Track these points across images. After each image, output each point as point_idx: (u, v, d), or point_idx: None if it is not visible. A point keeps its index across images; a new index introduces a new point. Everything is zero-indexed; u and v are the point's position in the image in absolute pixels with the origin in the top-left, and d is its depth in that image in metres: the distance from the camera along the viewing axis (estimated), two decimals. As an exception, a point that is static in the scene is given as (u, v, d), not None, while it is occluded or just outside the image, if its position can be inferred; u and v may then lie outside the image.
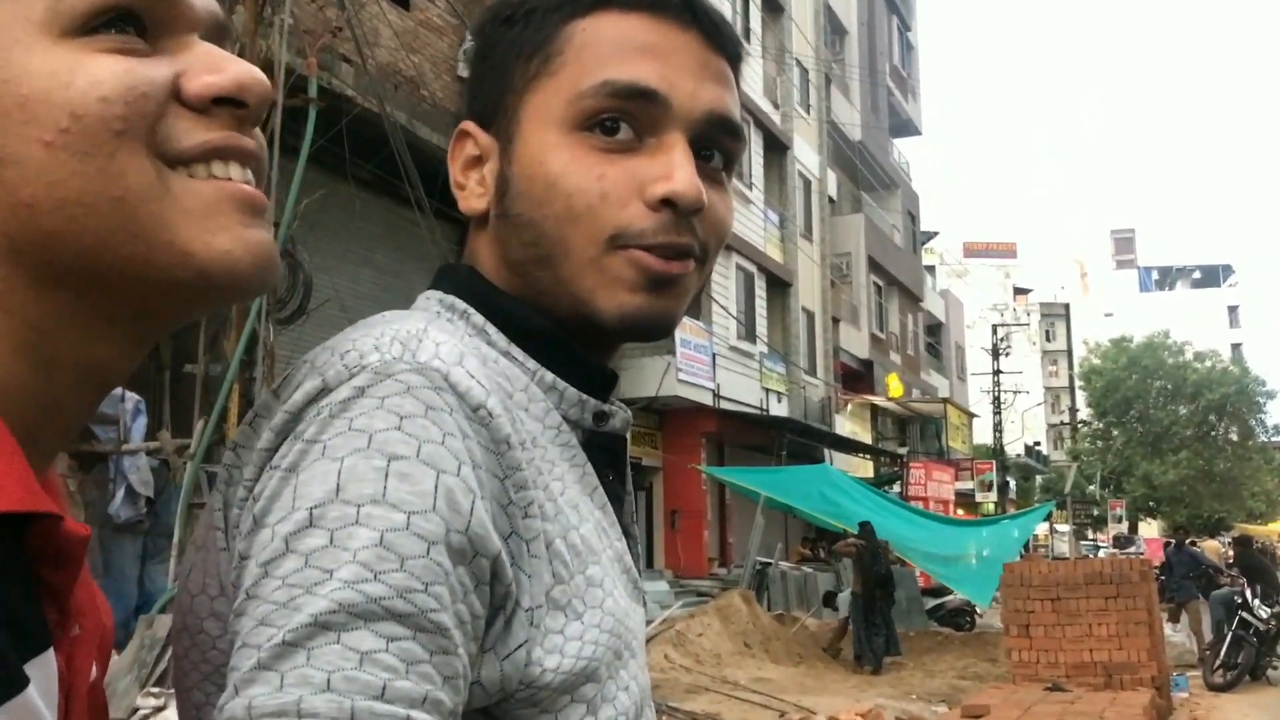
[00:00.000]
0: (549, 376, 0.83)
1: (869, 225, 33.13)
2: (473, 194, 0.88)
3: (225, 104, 0.66)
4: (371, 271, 13.03)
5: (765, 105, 25.83)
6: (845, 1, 33.17)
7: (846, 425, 29.11)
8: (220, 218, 0.65)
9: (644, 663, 0.84)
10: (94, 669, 0.67)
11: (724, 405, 21.57)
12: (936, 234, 55.57)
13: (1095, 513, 54.39)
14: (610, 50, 0.83)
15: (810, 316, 27.75)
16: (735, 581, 17.77)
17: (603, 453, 0.86)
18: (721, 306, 22.09)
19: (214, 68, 0.66)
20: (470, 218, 0.89)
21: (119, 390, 10.46)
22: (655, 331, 0.84)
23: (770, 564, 18.58)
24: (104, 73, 0.62)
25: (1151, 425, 53.98)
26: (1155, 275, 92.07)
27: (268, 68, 7.21)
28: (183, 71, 0.65)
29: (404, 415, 0.66)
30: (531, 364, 0.83)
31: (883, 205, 36.60)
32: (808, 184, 28.70)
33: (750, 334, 23.90)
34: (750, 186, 24.46)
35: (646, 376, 19.95)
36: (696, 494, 21.57)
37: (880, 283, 34.21)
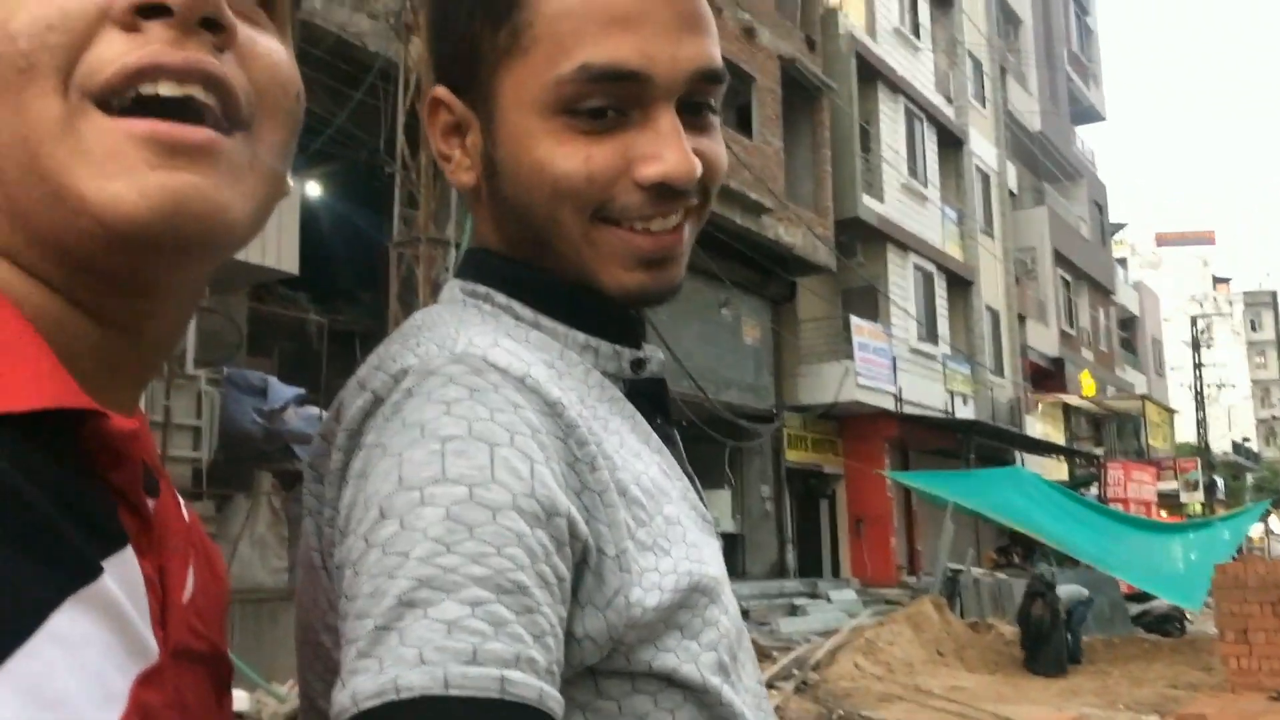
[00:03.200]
0: (580, 336, 0.85)
1: (1053, 218, 32.00)
2: (460, 167, 0.87)
3: (155, 16, 0.60)
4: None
5: (938, 100, 25.25)
6: (1018, -11, 32.24)
7: (1038, 426, 28.14)
8: (122, 159, 0.59)
9: (731, 595, 0.87)
10: (190, 585, 0.66)
11: (906, 409, 21.12)
12: (1125, 225, 53.26)
13: (1316, 512, 50.99)
14: (582, 23, 0.79)
15: (995, 315, 26.94)
16: (925, 589, 17.37)
17: (646, 399, 0.88)
18: (900, 307, 21.67)
19: None
20: (463, 191, 0.89)
21: (316, 410, 10.94)
22: (660, 300, 0.86)
23: (962, 571, 18.05)
24: (20, 4, 0.58)
25: (1376, 417, 50.31)
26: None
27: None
28: None
29: (450, 401, 0.70)
30: (562, 329, 0.84)
31: (1067, 196, 35.32)
32: (986, 178, 27.90)
33: (931, 335, 23.35)
34: (926, 184, 23.93)
35: (825, 382, 19.73)
36: (881, 500, 21.18)
37: (1068, 277, 32.95)
